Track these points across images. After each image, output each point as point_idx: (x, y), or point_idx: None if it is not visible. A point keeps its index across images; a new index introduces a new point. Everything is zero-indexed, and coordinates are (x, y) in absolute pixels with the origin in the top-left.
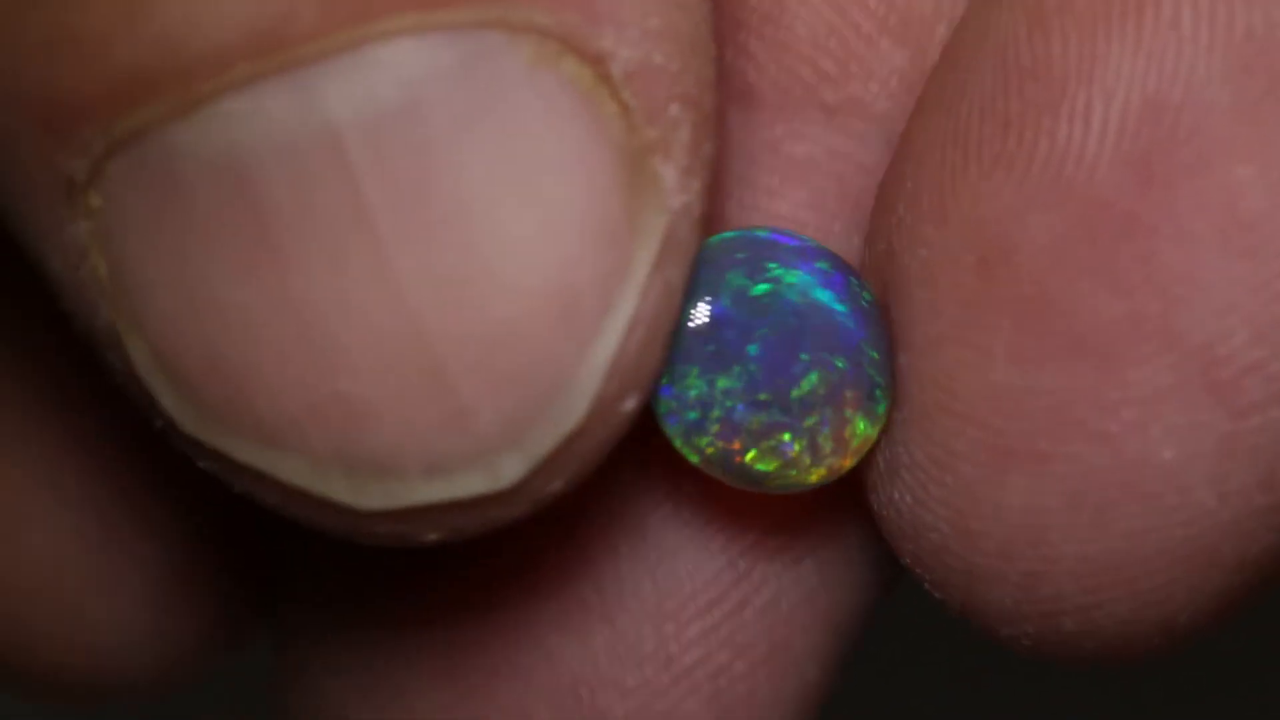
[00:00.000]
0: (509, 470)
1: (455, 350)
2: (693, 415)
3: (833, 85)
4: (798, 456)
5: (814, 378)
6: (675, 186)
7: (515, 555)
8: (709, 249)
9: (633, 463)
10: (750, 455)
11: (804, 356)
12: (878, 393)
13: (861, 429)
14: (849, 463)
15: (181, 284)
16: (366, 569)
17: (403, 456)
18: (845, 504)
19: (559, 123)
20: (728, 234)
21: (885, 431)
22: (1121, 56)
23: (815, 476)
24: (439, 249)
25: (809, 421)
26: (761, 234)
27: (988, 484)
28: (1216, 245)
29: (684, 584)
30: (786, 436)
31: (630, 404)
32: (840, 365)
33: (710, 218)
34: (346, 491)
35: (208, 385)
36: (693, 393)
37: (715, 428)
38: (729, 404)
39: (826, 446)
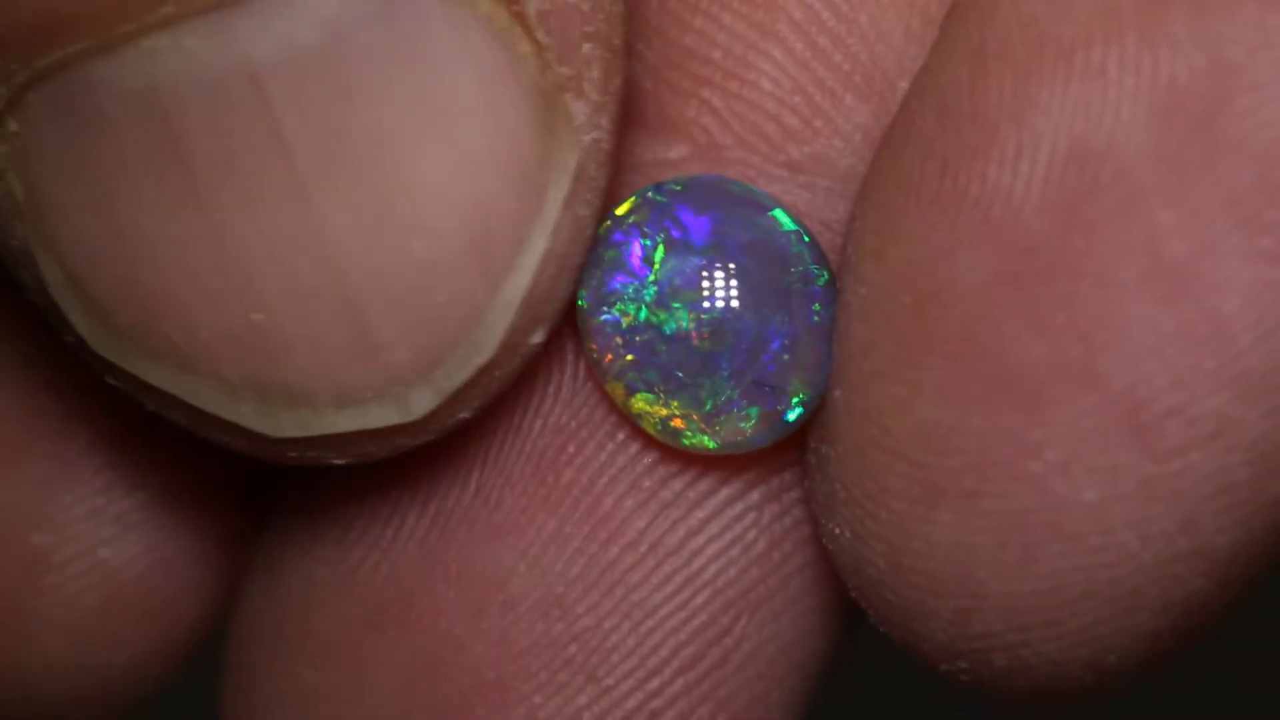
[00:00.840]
0: (419, 403)
1: (370, 286)
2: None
3: (797, 141)
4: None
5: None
6: (586, 123)
7: (502, 620)
8: None
9: (609, 524)
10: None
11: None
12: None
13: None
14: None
15: (98, 209)
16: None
17: (315, 387)
18: (824, 554)
19: (474, 62)
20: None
21: (821, 468)
22: (1050, 101)
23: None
24: (356, 187)
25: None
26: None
27: (919, 520)
28: (1138, 290)
29: (668, 640)
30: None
31: (538, 337)
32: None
33: (619, 152)
34: (257, 419)
35: (121, 308)
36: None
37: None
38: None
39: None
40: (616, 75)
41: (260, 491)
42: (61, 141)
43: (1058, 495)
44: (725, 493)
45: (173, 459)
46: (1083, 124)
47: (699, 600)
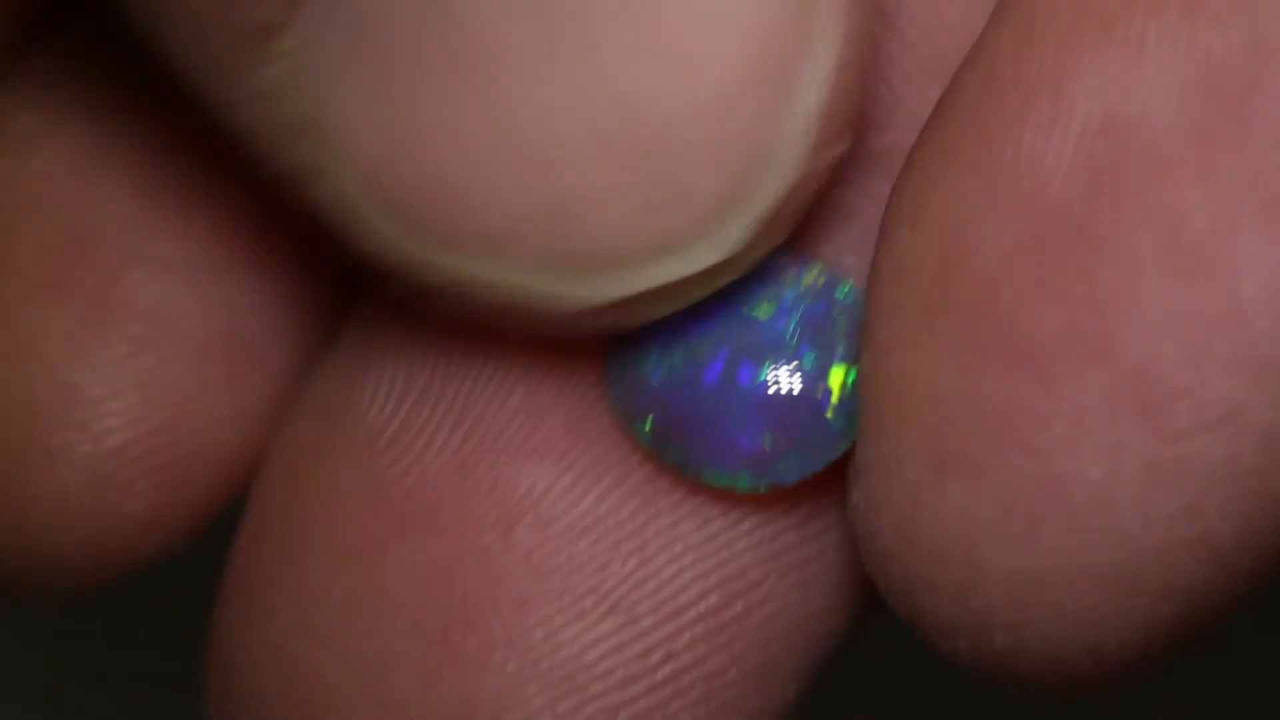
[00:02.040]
0: (735, 236)
1: (668, 128)
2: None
3: (877, 130)
4: None
5: None
6: None
7: (531, 538)
8: None
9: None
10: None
11: None
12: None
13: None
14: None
15: (386, 112)
16: None
17: (629, 242)
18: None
19: None
20: None
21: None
22: (1088, 70)
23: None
24: (636, 29)
25: None
26: None
27: (927, 490)
28: (1156, 265)
29: (697, 582)
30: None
31: (841, 147)
32: None
33: None
34: (580, 287)
35: (425, 205)
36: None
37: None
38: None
39: None
40: None
41: (302, 355)
42: (337, 49)
43: (1063, 470)
44: None
45: (215, 323)
46: (1117, 93)
47: (735, 548)
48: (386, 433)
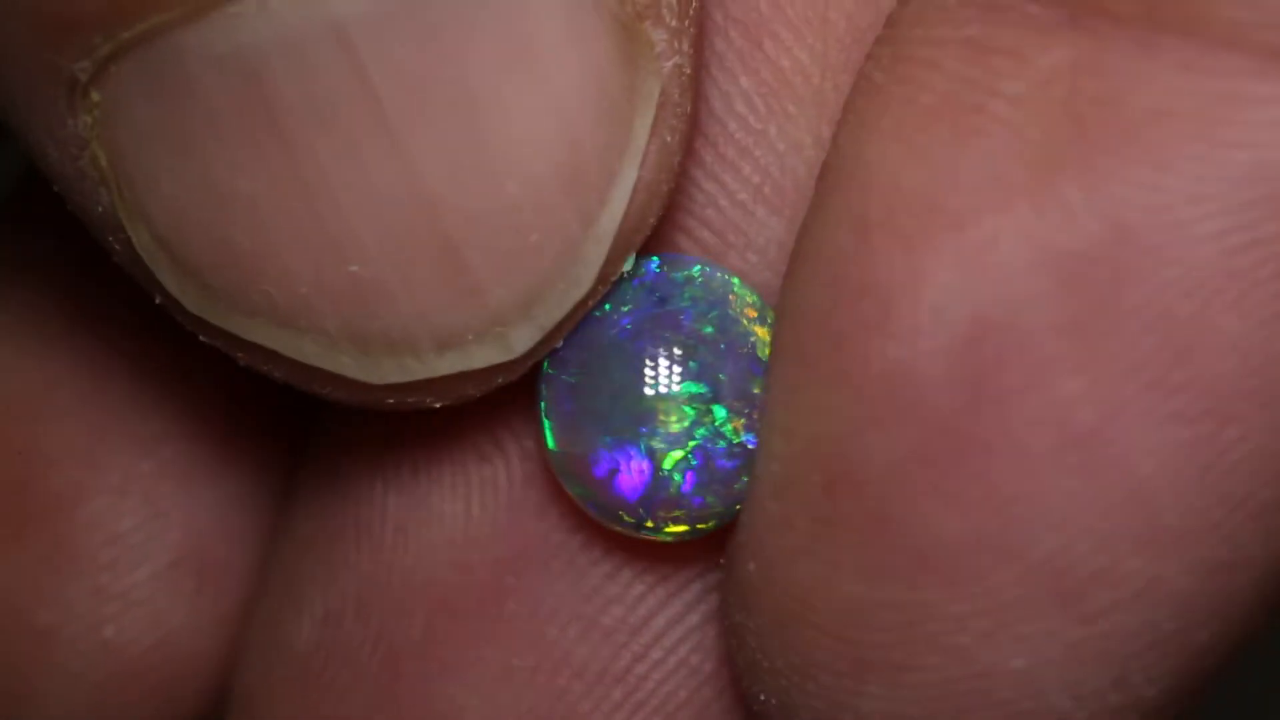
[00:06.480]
0: (521, 341)
1: (466, 228)
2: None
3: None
4: None
5: None
6: (667, 49)
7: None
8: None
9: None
10: None
11: None
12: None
13: None
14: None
15: (189, 174)
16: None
17: (415, 333)
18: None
19: None
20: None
21: (739, 637)
22: (946, 274)
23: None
24: (447, 132)
25: None
26: None
27: (847, 692)
28: (1051, 462)
29: None
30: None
31: (629, 264)
32: None
33: (700, 73)
34: (358, 368)
35: (216, 269)
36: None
37: None
38: None
39: None
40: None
41: (259, 552)
42: (148, 109)
43: (985, 665)
44: (666, 616)
45: (177, 536)
46: (981, 296)
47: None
48: (314, 663)
